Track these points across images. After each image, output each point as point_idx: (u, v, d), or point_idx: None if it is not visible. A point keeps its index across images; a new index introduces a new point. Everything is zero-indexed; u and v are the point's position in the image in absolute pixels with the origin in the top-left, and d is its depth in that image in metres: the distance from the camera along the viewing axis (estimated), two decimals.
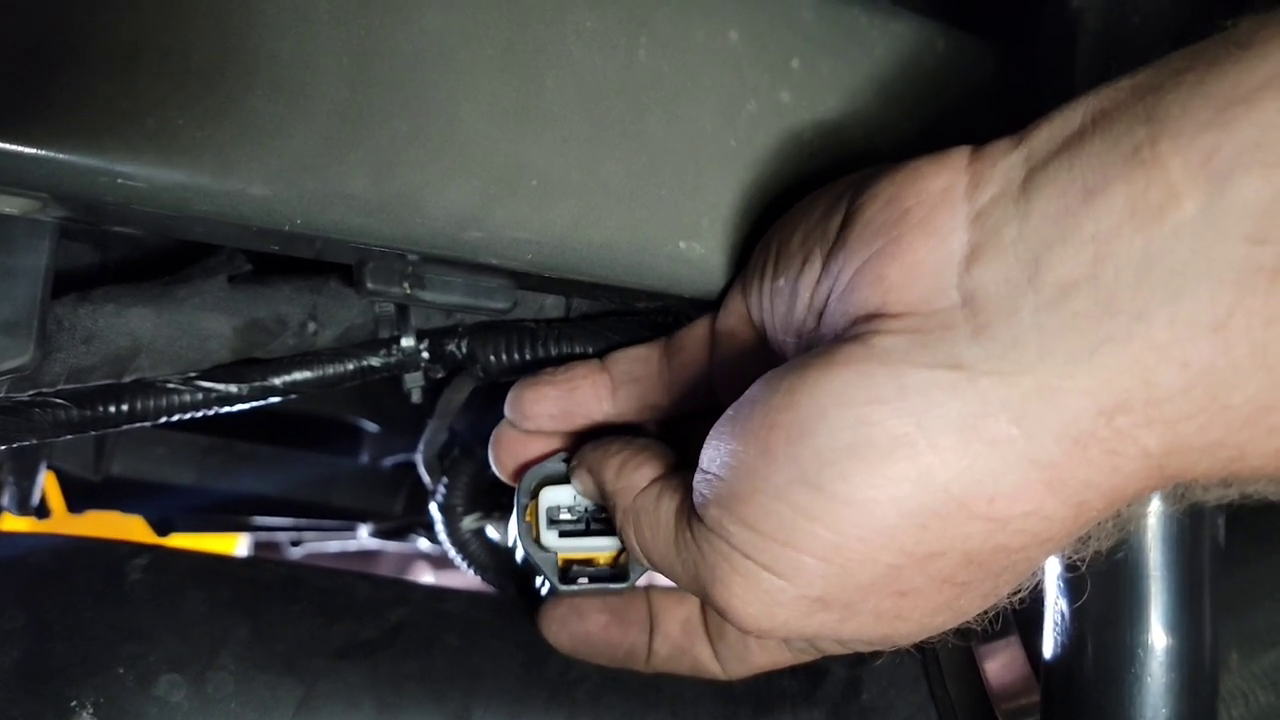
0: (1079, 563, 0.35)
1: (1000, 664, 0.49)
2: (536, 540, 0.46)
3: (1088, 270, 0.27)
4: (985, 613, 0.35)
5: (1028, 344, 0.28)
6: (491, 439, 0.48)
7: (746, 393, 0.34)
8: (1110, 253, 0.27)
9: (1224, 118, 0.26)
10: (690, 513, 0.36)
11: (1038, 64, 0.45)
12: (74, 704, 0.45)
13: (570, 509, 0.46)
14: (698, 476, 0.35)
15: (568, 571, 0.46)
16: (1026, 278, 0.29)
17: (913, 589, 0.32)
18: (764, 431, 0.32)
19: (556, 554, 0.46)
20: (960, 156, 0.32)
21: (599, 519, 0.45)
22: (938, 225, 0.31)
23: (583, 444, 0.45)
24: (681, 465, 0.40)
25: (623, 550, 0.46)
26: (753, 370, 0.35)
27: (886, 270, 0.32)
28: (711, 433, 0.35)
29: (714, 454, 0.34)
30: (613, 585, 0.46)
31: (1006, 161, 0.31)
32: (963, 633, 0.38)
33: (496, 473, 0.49)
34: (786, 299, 0.37)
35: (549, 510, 0.45)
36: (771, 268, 0.38)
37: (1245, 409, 0.27)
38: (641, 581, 0.48)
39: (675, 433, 0.47)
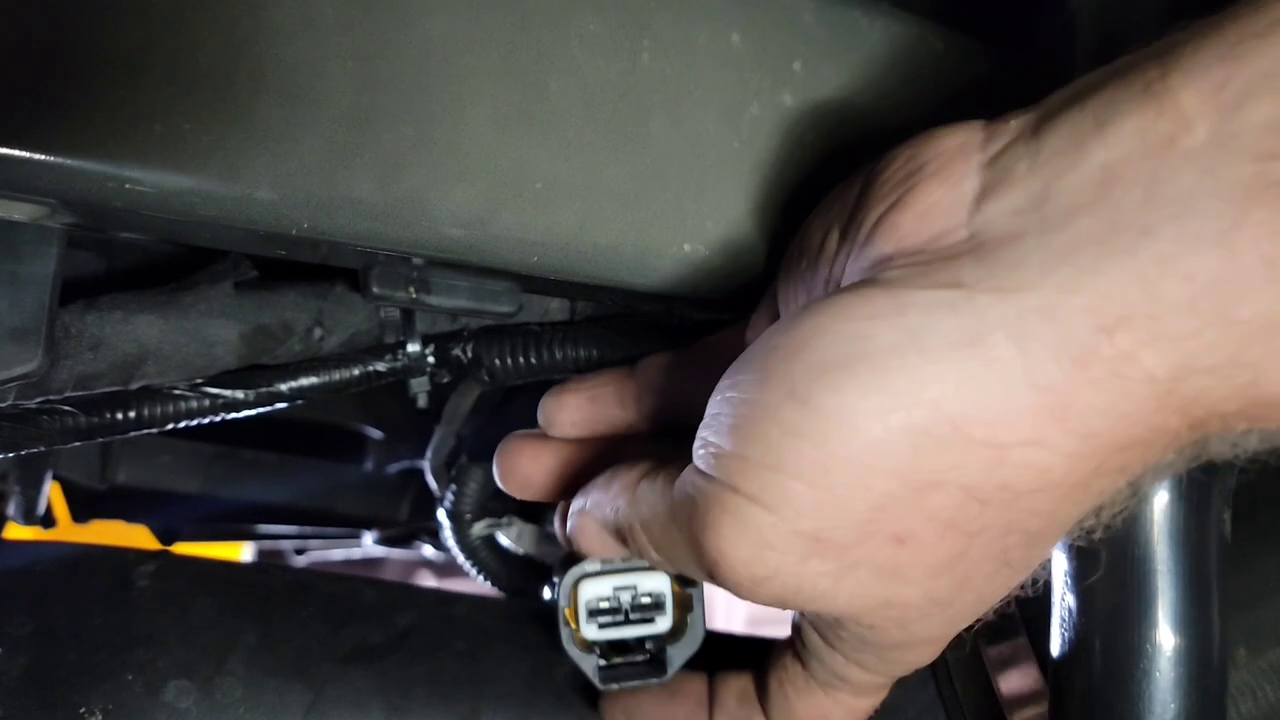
0: (1093, 531, 0.34)
1: (1008, 662, 0.49)
2: (576, 635, 0.46)
3: (1095, 194, 0.27)
4: (995, 604, 0.34)
5: (1030, 263, 0.28)
6: (497, 453, 0.48)
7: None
8: (1118, 177, 0.27)
9: (1236, 52, 0.26)
10: (687, 478, 0.35)
11: (1037, 65, 0.45)
12: (83, 711, 0.46)
13: (609, 600, 0.46)
14: (701, 425, 0.34)
15: (608, 670, 0.47)
16: (1034, 206, 0.29)
17: (911, 534, 0.31)
18: (762, 356, 0.32)
19: (596, 656, 0.46)
20: (976, 122, 0.32)
21: (638, 608, 0.46)
22: (951, 172, 0.31)
23: (607, 451, 0.45)
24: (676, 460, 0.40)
25: (661, 635, 0.46)
26: None
27: (899, 219, 0.32)
28: (719, 381, 0.34)
29: (716, 395, 0.34)
30: (652, 680, 0.46)
31: (1020, 120, 0.31)
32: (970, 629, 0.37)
33: (501, 485, 0.49)
34: (808, 281, 0.37)
35: (588, 603, 0.46)
36: (797, 257, 0.38)
37: (1255, 323, 0.26)
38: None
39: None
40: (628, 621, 0.46)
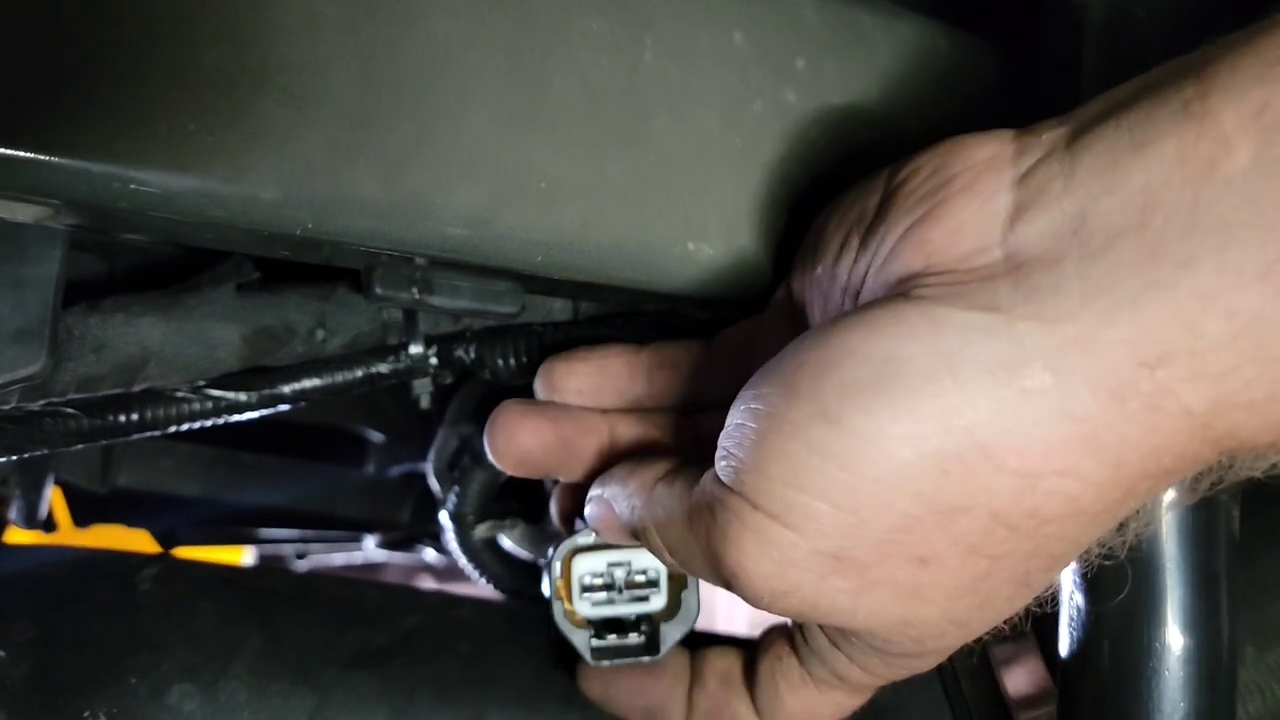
0: (1115, 551, 0.34)
1: (1015, 662, 0.49)
2: (568, 611, 0.46)
3: (1136, 220, 0.27)
4: (1011, 617, 0.34)
5: (1070, 291, 0.28)
6: (492, 424, 0.46)
7: (781, 350, 0.33)
8: (1159, 202, 0.27)
9: (1275, 72, 0.25)
10: (705, 486, 0.34)
11: (1042, 62, 0.45)
12: (86, 715, 0.45)
13: (603, 575, 0.45)
14: (722, 433, 0.34)
15: (599, 645, 0.46)
16: (1072, 230, 0.28)
17: (934, 556, 0.30)
18: (790, 371, 0.31)
19: (588, 632, 0.46)
20: (1005, 132, 0.32)
21: (632, 585, 0.46)
22: (982, 187, 0.31)
23: (602, 428, 0.45)
24: (694, 463, 0.39)
25: (655, 614, 0.46)
26: None
27: (929, 234, 0.31)
28: (742, 389, 0.34)
29: (739, 404, 0.33)
30: (645, 659, 0.46)
31: (1052, 133, 0.30)
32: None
33: (490, 456, 0.47)
34: (824, 285, 0.36)
35: (581, 579, 0.45)
36: (810, 259, 0.38)
37: None
38: None
39: (706, 426, 0.46)
40: (621, 598, 0.45)
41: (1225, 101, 0.26)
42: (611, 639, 0.46)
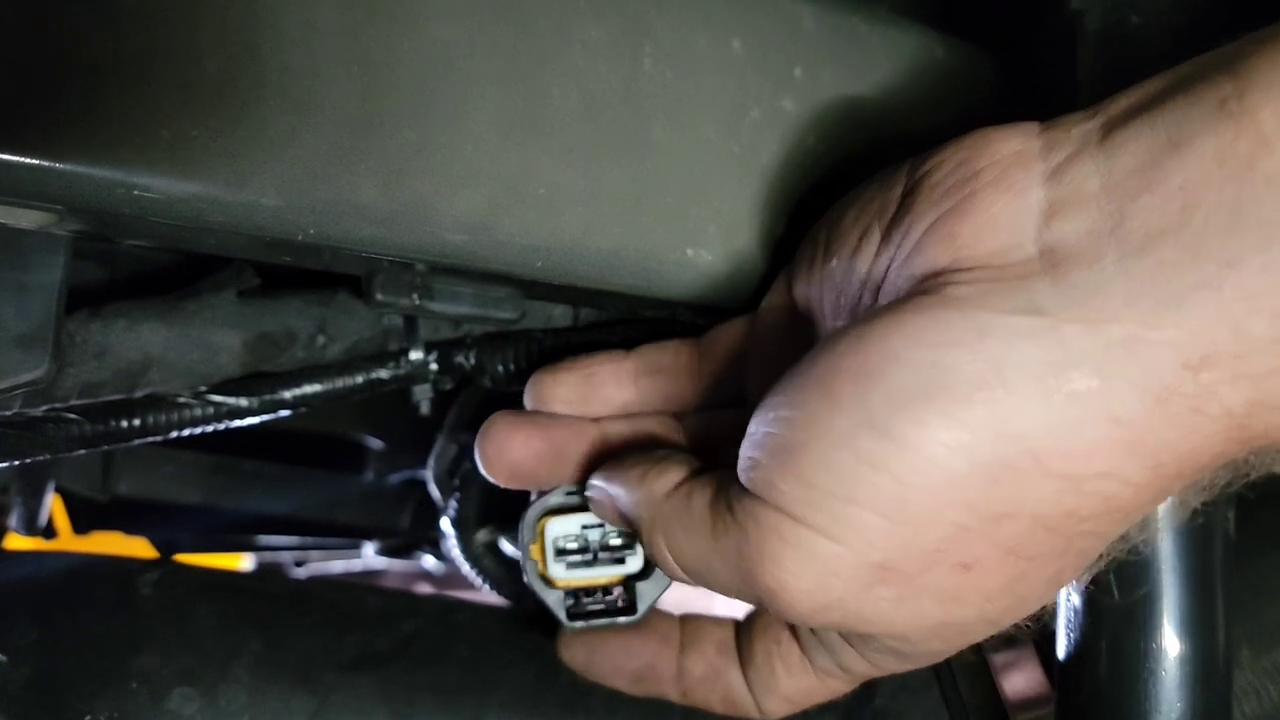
0: (1140, 546, 0.34)
1: (1012, 666, 0.49)
2: (543, 575, 0.45)
3: (1176, 219, 0.27)
4: (1041, 611, 0.34)
5: (1113, 291, 0.27)
6: (484, 435, 0.45)
7: (808, 354, 0.32)
8: (1199, 202, 0.26)
9: None
10: (729, 498, 0.34)
11: (1038, 68, 0.46)
12: (87, 718, 0.45)
13: (577, 538, 0.45)
14: (745, 442, 0.33)
15: (575, 608, 0.45)
16: (1110, 229, 0.28)
17: (976, 561, 0.30)
18: (829, 378, 0.30)
19: (562, 590, 0.45)
20: (1031, 125, 0.32)
21: (607, 547, 0.45)
22: (1013, 182, 0.30)
23: (594, 434, 0.45)
24: (707, 468, 0.38)
25: (631, 576, 0.45)
26: (793, 362, 0.34)
27: (958, 228, 0.31)
28: (765, 396, 0.33)
29: (768, 412, 0.32)
30: (621, 619, 0.45)
31: (1082, 128, 0.30)
32: None
33: (482, 469, 0.46)
34: (839, 279, 0.36)
35: (555, 542, 0.44)
36: (822, 251, 0.37)
37: None
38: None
39: (699, 427, 0.46)
40: (596, 561, 0.44)
41: (1264, 100, 0.26)
42: (587, 599, 0.45)
